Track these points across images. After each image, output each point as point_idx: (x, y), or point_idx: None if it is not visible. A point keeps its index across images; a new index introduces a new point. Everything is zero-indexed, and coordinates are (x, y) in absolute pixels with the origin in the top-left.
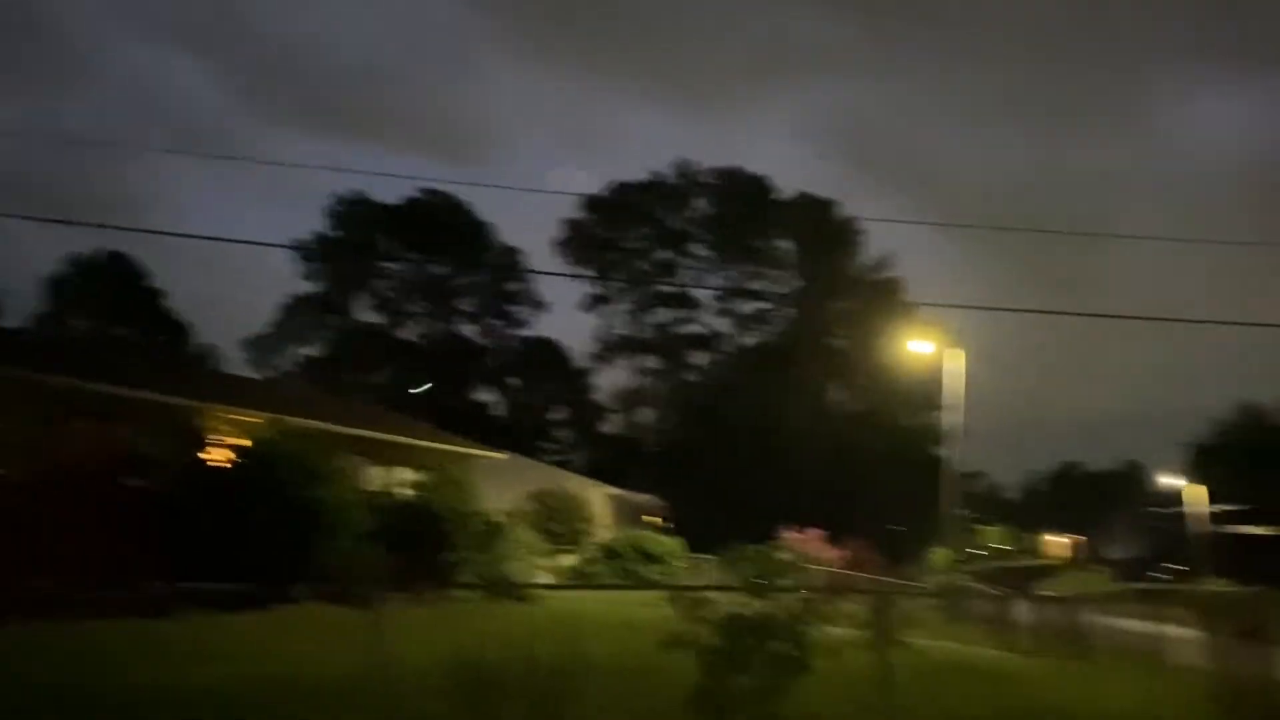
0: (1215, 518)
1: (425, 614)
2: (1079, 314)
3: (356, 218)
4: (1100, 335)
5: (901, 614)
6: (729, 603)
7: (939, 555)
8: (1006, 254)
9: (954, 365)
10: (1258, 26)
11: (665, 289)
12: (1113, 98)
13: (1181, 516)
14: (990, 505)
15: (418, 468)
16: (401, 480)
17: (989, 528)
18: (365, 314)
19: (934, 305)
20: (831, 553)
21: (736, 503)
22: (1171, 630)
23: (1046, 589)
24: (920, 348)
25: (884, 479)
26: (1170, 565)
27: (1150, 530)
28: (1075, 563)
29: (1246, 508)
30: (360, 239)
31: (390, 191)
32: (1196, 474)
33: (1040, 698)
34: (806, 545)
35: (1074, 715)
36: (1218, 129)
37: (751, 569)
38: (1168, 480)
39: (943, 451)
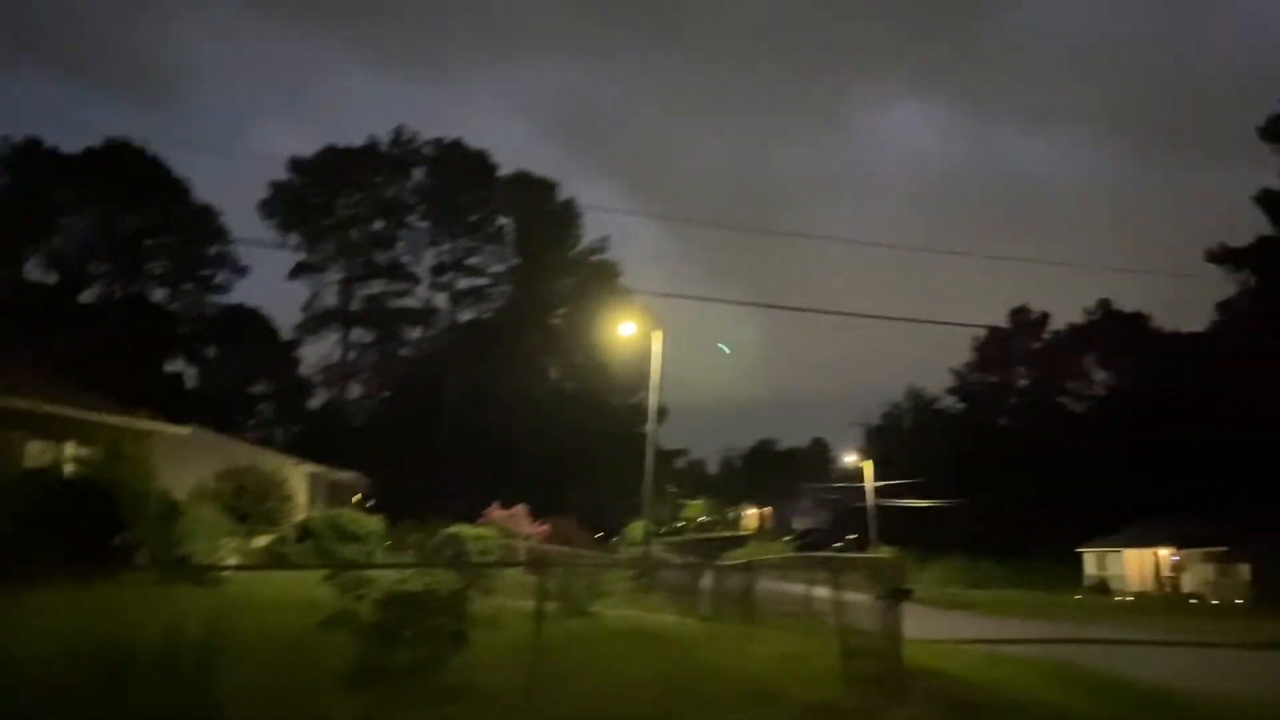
0: (884, 491)
1: (87, 598)
2: (770, 305)
3: (29, 165)
4: (797, 322)
5: (591, 585)
6: (392, 580)
7: (636, 528)
8: (716, 244)
9: (656, 346)
10: (944, 47)
11: (379, 260)
12: (817, 100)
13: (856, 490)
14: (693, 480)
15: (89, 443)
16: (69, 456)
17: (691, 501)
18: (38, 272)
19: (644, 293)
20: (536, 528)
21: (448, 479)
22: (831, 593)
23: (734, 557)
24: (626, 330)
25: (595, 455)
26: (845, 534)
27: (829, 502)
28: (764, 533)
29: (910, 481)
30: (33, 189)
31: (73, 140)
32: (871, 451)
33: (697, 658)
34: (511, 521)
35: (722, 671)
36: (907, 136)
37: (447, 546)
38: (847, 457)
39: (646, 429)
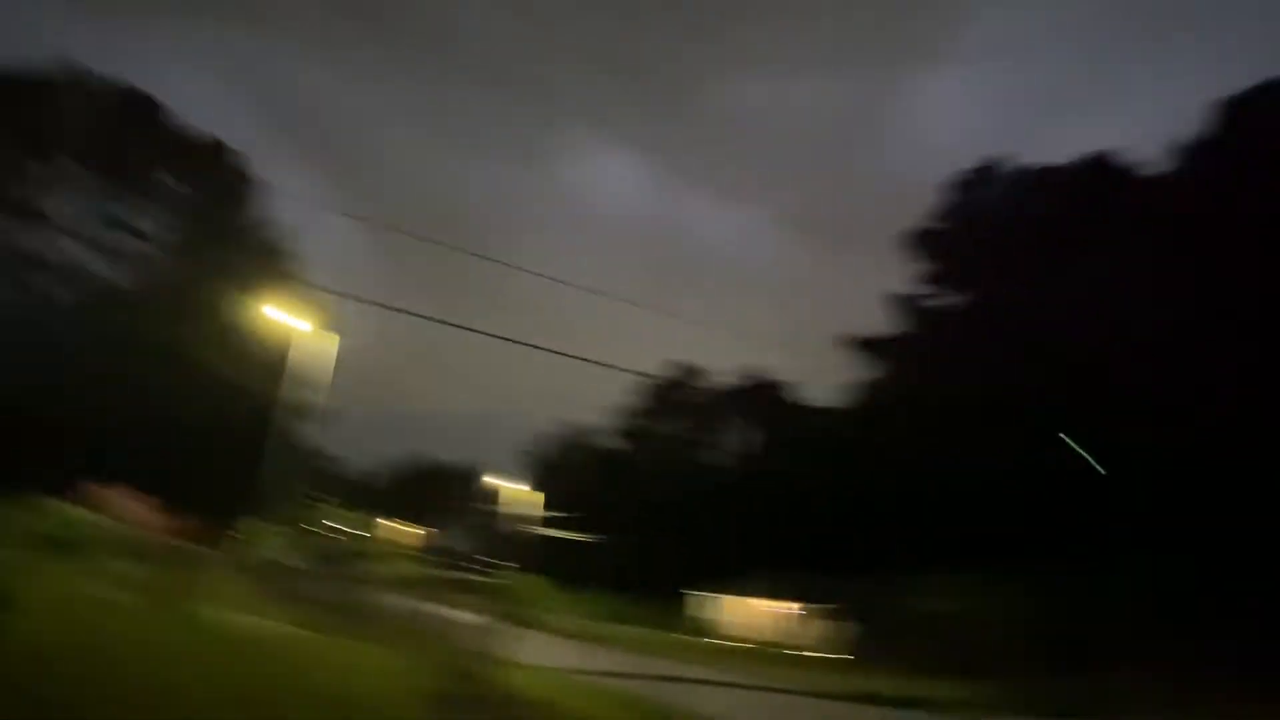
0: (532, 518)
1: None
2: (443, 321)
3: None
4: (477, 344)
5: (194, 583)
6: None
7: (261, 531)
8: (411, 254)
9: (321, 347)
10: (659, 111)
11: (13, 197)
12: (531, 134)
13: (503, 515)
14: (350, 489)
15: None
16: None
17: (338, 509)
18: None
19: (320, 287)
20: (146, 514)
21: (60, 450)
22: (455, 612)
23: (369, 571)
24: (288, 320)
25: (238, 449)
26: (489, 557)
27: (478, 524)
28: (410, 549)
29: (564, 514)
30: None
31: None
32: (533, 479)
33: (286, 671)
34: (119, 504)
35: (307, 685)
36: (611, 186)
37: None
38: (498, 481)
39: (290, 428)
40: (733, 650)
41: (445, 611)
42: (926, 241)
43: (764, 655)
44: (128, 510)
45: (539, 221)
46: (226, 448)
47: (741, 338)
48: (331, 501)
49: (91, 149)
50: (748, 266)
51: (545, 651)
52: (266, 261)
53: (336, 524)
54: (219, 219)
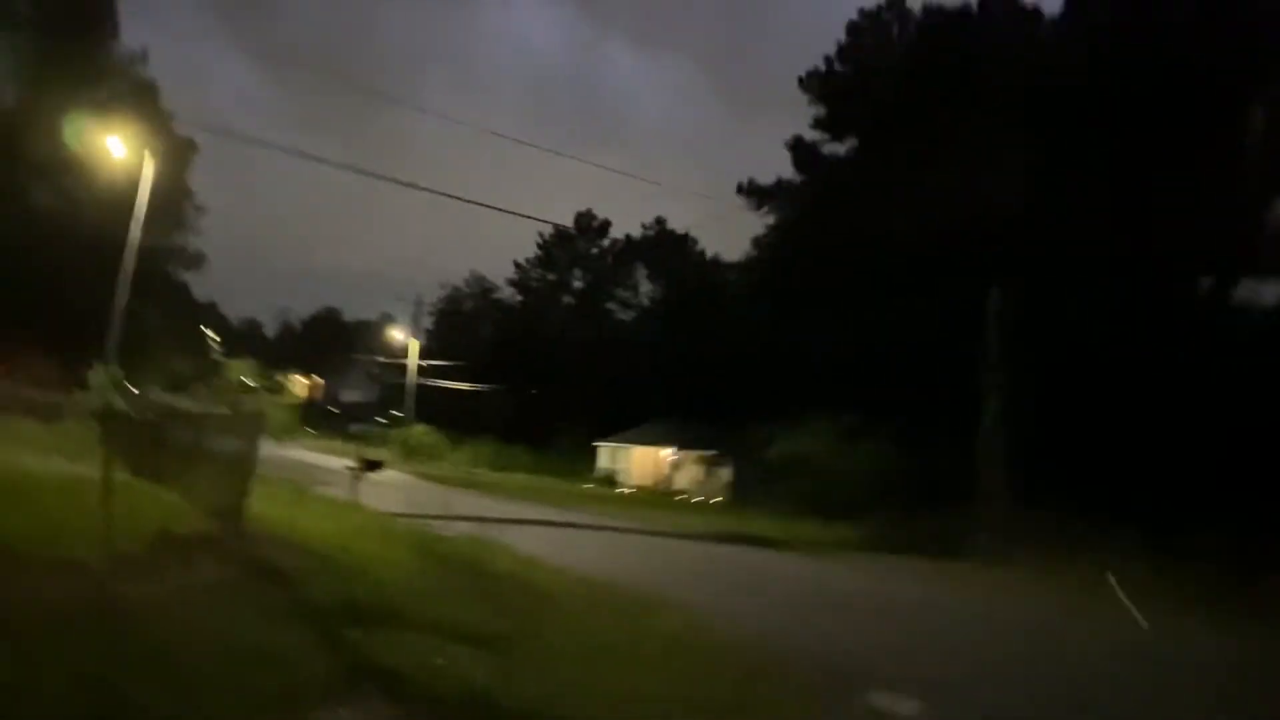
0: (431, 371)
1: None
2: (346, 167)
3: None
4: (365, 193)
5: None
6: None
7: (103, 375)
8: (308, 96)
9: (147, 170)
10: None
11: None
12: None
13: (403, 368)
14: (249, 341)
15: None
16: None
17: (233, 361)
18: None
19: (197, 125)
20: None
21: None
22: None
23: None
24: (115, 150)
25: (91, 290)
26: (391, 410)
27: (378, 377)
28: (298, 399)
29: (456, 364)
30: None
31: None
32: (432, 332)
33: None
34: None
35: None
36: (526, 30)
37: None
38: (400, 333)
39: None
40: (620, 497)
41: (313, 459)
42: (820, 86)
43: (646, 500)
44: None
45: (458, 65)
46: (95, 290)
47: (650, 189)
48: (215, 349)
49: None
50: (659, 113)
51: (421, 496)
52: (128, 93)
53: (240, 376)
54: (70, 46)
